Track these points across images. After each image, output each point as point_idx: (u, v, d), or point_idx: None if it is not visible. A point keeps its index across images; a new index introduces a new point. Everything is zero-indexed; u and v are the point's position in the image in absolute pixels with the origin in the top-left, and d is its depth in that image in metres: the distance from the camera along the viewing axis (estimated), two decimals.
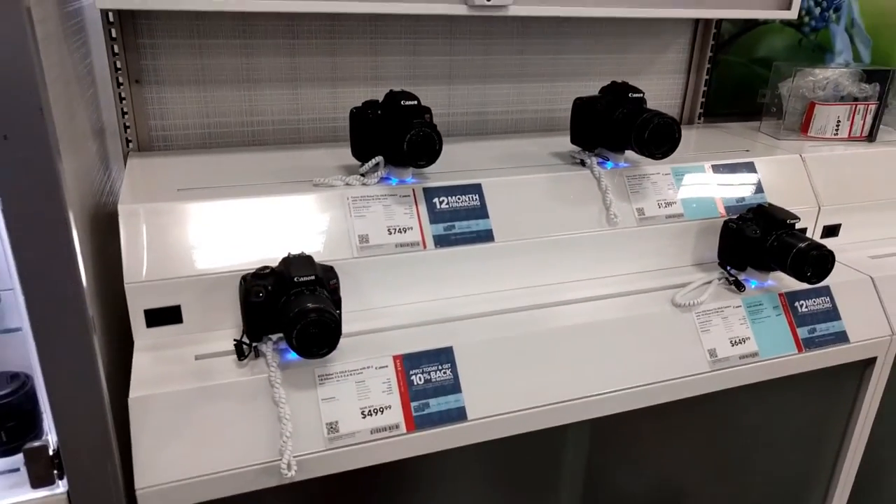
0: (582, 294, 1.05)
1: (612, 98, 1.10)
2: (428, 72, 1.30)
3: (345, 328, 0.90)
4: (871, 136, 1.40)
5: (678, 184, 1.17)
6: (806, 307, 1.11)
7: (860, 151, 1.35)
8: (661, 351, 1.01)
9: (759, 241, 1.07)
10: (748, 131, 1.47)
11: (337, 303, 0.84)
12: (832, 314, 1.12)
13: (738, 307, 1.07)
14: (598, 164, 1.14)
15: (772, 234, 1.07)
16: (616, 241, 1.11)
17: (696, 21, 1.46)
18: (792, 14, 1.26)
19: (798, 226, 1.23)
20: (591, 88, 1.42)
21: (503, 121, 1.40)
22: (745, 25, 1.48)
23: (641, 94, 1.09)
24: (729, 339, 1.05)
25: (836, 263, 1.15)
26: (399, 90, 0.98)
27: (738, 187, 1.21)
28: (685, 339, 1.03)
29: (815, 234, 1.27)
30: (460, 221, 1.02)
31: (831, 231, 1.29)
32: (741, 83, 1.53)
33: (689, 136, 1.44)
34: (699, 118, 1.53)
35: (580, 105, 1.12)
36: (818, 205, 1.25)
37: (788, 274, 1.06)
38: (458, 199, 1.03)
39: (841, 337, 1.11)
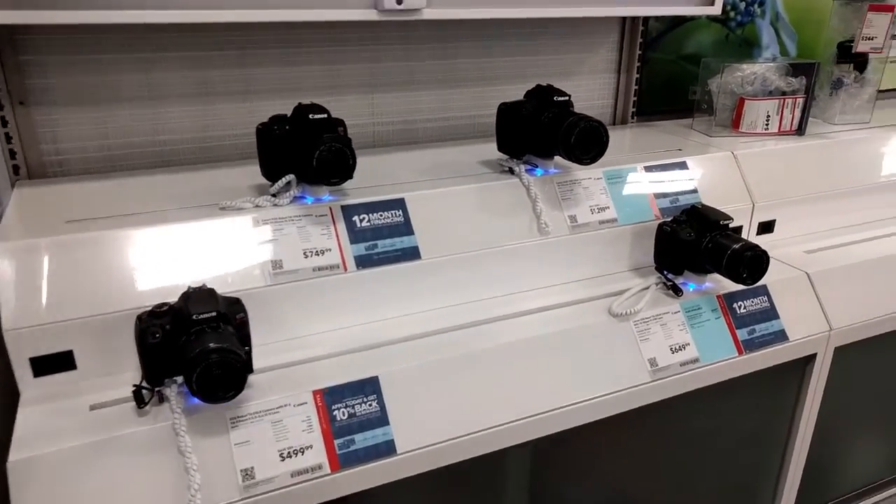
0: (515, 308, 1.00)
1: (538, 102, 1.06)
2: (348, 81, 1.24)
3: (260, 362, 0.83)
4: (800, 130, 1.40)
5: (611, 188, 1.13)
6: (744, 308, 1.09)
7: (791, 145, 1.34)
8: (601, 363, 0.97)
9: (693, 244, 1.04)
10: (681, 129, 1.45)
11: (244, 339, 0.77)
12: (770, 313, 1.10)
13: (676, 313, 1.04)
14: (527, 171, 1.09)
15: (706, 235, 1.04)
16: (549, 251, 1.07)
17: (624, 20, 1.43)
18: (716, 10, 1.24)
19: (733, 224, 1.22)
20: (522, 92, 1.38)
21: (433, 129, 1.34)
22: (671, 22, 1.46)
23: (567, 98, 1.05)
24: (669, 347, 1.01)
25: (773, 260, 1.14)
26: (308, 103, 0.92)
27: (672, 188, 1.18)
28: (624, 349, 0.99)
29: (750, 231, 1.26)
30: (383, 239, 0.96)
31: (766, 227, 1.28)
32: (672, 81, 1.52)
33: (622, 136, 1.41)
34: (632, 118, 1.51)
35: (505, 111, 1.07)
36: (752, 202, 1.24)
37: (724, 276, 1.03)
38: (381, 215, 0.97)
39: (780, 336, 1.09)
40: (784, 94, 1.38)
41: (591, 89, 1.47)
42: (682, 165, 1.20)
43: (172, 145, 1.14)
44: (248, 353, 0.77)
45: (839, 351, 1.16)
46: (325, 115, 0.89)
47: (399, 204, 0.98)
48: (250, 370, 0.78)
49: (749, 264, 1.00)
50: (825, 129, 1.46)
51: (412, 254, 0.97)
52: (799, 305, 1.13)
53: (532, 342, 0.94)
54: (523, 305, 1.01)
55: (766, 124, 1.39)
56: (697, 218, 1.06)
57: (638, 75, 1.47)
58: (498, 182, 1.07)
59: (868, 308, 1.17)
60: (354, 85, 1.25)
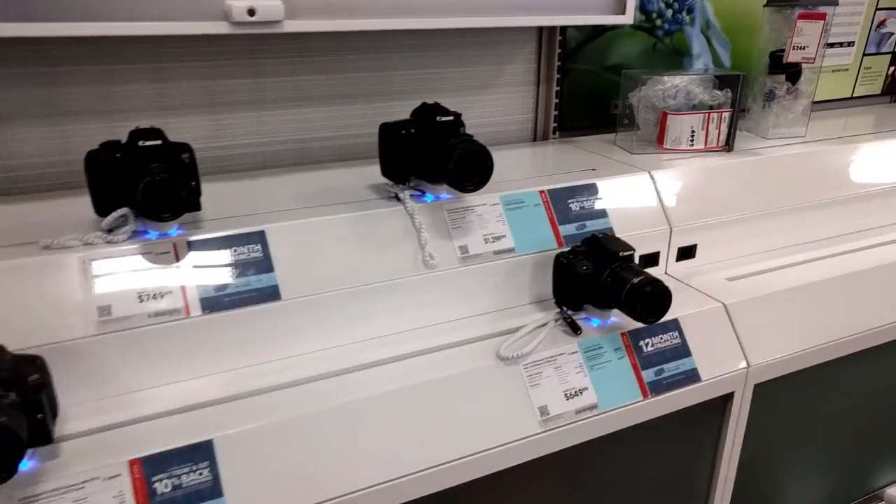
0: (390, 353, 0.90)
1: (422, 123, 0.96)
2: (230, 98, 1.13)
3: (69, 427, 0.73)
4: (728, 145, 1.31)
5: (508, 214, 1.04)
6: (652, 346, 0.99)
7: (716, 162, 1.25)
8: (484, 414, 0.87)
9: (591, 277, 0.95)
10: (604, 145, 1.36)
11: (36, 405, 0.66)
12: (681, 351, 1.01)
13: (573, 354, 0.94)
14: (415, 197, 0.99)
15: (606, 268, 0.95)
16: (435, 286, 0.97)
17: (541, 29, 1.34)
18: (627, 19, 1.15)
19: (650, 249, 1.13)
20: None
21: (329, 147, 1.24)
22: (592, 31, 1.37)
23: (452, 117, 0.95)
24: (563, 392, 0.92)
25: (690, 290, 1.05)
26: (146, 127, 0.81)
27: (579, 213, 1.09)
28: (511, 397, 0.89)
29: (668, 257, 1.17)
30: (237, 279, 0.86)
31: (687, 253, 1.18)
32: (596, 93, 1.43)
33: (537, 154, 1.32)
34: (554, 133, 1.42)
35: (385, 132, 0.97)
36: (669, 225, 1.15)
37: (625, 312, 0.94)
38: (235, 251, 0.87)
39: (691, 376, 1.00)
40: (710, 108, 1.30)
41: (509, 103, 1.38)
42: (592, 188, 1.11)
43: (15, 171, 1.03)
44: (41, 421, 0.66)
45: (760, 388, 1.07)
46: (159, 142, 0.79)
47: (257, 237, 0.88)
48: (47, 440, 0.67)
49: (648, 301, 0.90)
50: (757, 144, 1.38)
51: (271, 294, 0.86)
52: (714, 341, 1.04)
53: (404, 392, 0.84)
54: (400, 349, 0.91)
55: (692, 140, 1.30)
56: (597, 248, 0.97)
57: (558, 88, 1.37)
58: (381, 210, 0.97)
59: (790, 341, 1.09)
60: (241, 102, 1.14)
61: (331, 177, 1.13)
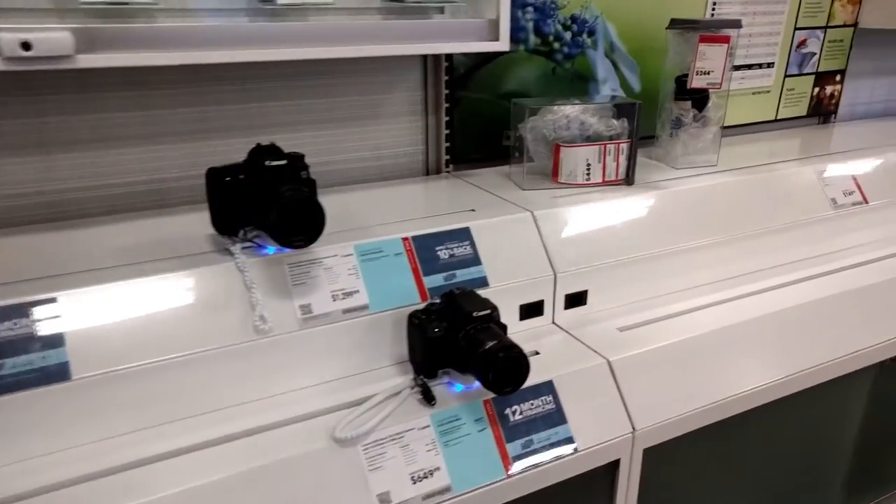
0: (201, 437, 0.78)
1: (253, 166, 0.85)
2: (67, 136, 1.01)
3: None
4: (628, 178, 1.22)
5: (364, 266, 0.92)
6: (520, 414, 0.88)
7: (611, 199, 1.16)
8: None
9: (445, 340, 0.84)
10: (498, 180, 1.26)
11: None
12: (555, 417, 0.90)
13: (424, 428, 0.83)
14: (251, 250, 0.88)
15: (461, 329, 0.84)
16: (269, 353, 0.85)
17: (425, 56, 1.24)
18: (503, 45, 1.05)
19: (534, 298, 1.03)
20: (299, 141, 1.18)
21: (184, 189, 1.12)
22: (482, 57, 1.27)
23: (285, 161, 0.84)
24: (410, 475, 0.80)
25: (574, 344, 0.95)
26: None
27: (448, 262, 0.98)
28: (346, 485, 0.77)
29: (555, 305, 1.06)
30: (14, 357, 0.73)
31: (577, 300, 1.08)
32: (490, 122, 1.32)
33: (420, 191, 1.21)
34: (447, 166, 1.31)
35: (212, 176, 0.85)
36: (554, 271, 1.04)
37: (479, 381, 0.83)
38: (14, 324, 0.74)
39: (566, 445, 0.89)
40: (608, 138, 1.20)
41: (397, 135, 1.27)
42: (464, 233, 1.00)
43: None
44: None
45: (651, 453, 0.97)
46: None
47: (47, 304, 0.76)
48: None
49: (500, 369, 0.80)
50: (665, 175, 1.29)
51: (59, 373, 0.74)
52: (596, 403, 0.93)
53: (213, 488, 0.72)
54: (217, 431, 0.79)
55: (587, 174, 1.20)
56: (451, 306, 0.86)
57: (448, 118, 1.27)
58: (209, 267, 0.85)
59: (682, 400, 0.99)
60: (16, 146, 1.01)
61: (174, 224, 1.01)
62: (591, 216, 1.11)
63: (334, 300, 0.89)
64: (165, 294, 0.81)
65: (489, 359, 0.79)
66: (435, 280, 0.96)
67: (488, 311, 0.84)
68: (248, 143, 0.87)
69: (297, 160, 0.87)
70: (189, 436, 0.78)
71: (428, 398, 0.85)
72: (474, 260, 0.99)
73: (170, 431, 0.78)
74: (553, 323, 1.06)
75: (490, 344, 0.80)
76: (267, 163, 0.83)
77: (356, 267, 0.92)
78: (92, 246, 0.92)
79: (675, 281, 1.17)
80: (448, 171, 1.31)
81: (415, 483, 0.80)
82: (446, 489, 0.81)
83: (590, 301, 1.09)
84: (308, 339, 0.87)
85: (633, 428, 0.94)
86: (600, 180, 1.21)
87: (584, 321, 1.07)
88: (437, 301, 0.88)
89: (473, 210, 1.07)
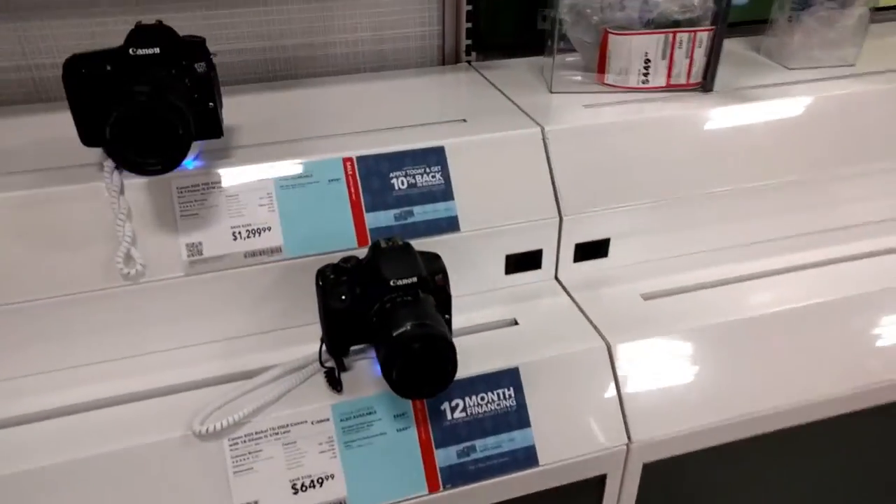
0: (31, 405, 0.62)
1: (122, 54, 0.62)
2: None
3: None
4: (705, 83, 0.87)
5: (282, 195, 0.70)
6: (463, 410, 0.65)
7: (667, 113, 0.82)
8: None
9: (353, 314, 0.61)
10: (527, 76, 0.95)
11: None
12: (515, 418, 0.66)
13: (321, 422, 0.63)
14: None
15: (376, 300, 0.60)
16: (139, 303, 0.67)
17: None
18: None
19: (531, 246, 0.77)
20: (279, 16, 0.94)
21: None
22: None
23: (157, 49, 0.61)
24: (291, 483, 0.61)
25: (571, 313, 0.71)
26: None
27: (405, 194, 0.73)
28: (202, 488, 0.60)
29: (559, 256, 0.79)
30: None
31: (593, 250, 0.80)
32: None
33: (410, 89, 0.93)
34: (467, 54, 1.01)
35: (71, 67, 0.64)
36: (559, 212, 0.76)
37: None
38: None
39: (523, 457, 0.66)
40: (678, 24, 0.85)
41: (404, 12, 0.98)
42: (433, 155, 0.74)
43: None
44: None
45: (653, 469, 0.71)
46: None
47: None
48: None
49: (407, 366, 0.56)
50: (770, 78, 0.91)
51: None
52: (578, 402, 0.68)
53: (37, 475, 0.57)
54: (53, 399, 0.63)
55: (645, 74, 0.87)
56: (371, 266, 0.62)
57: None
58: (73, 187, 0.66)
59: (704, 406, 0.70)
60: None
61: (47, 125, 0.81)
62: (631, 137, 0.80)
63: (235, 239, 0.68)
64: (13, 219, 0.64)
65: (393, 350, 0.56)
66: (381, 218, 0.72)
67: (413, 280, 0.59)
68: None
69: (188, 47, 0.63)
70: (18, 402, 0.63)
71: (333, 382, 0.64)
72: (444, 193, 0.73)
73: (11, 389, 0.64)
74: (555, 279, 0.80)
75: (400, 329, 0.56)
76: (132, 51, 0.60)
77: (272, 196, 0.70)
78: None
79: (735, 232, 0.84)
80: (469, 61, 1.02)
81: (296, 493, 0.61)
82: (340, 503, 0.62)
83: (612, 253, 0.80)
84: (195, 287, 0.68)
85: (629, 438, 0.68)
86: (663, 83, 0.87)
87: (598, 280, 0.79)
88: (349, 259, 0.64)
89: (465, 120, 0.80)
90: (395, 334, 0.56)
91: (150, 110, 0.56)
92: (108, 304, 0.66)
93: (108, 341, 0.67)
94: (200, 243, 0.68)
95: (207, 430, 0.59)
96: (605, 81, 0.89)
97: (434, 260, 0.64)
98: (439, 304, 0.62)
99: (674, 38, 0.85)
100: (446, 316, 0.63)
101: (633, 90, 0.88)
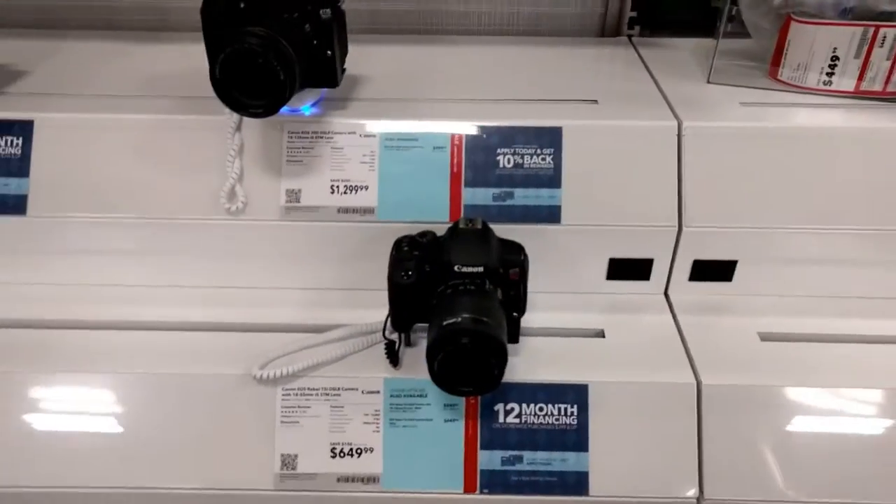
0: (132, 314, 0.67)
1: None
2: None
3: None
4: None
5: (385, 155, 0.68)
6: (517, 416, 0.61)
7: (841, 126, 0.68)
8: (219, 449, 0.62)
9: (417, 290, 0.58)
10: (689, 59, 0.84)
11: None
12: (572, 438, 0.60)
13: (371, 393, 0.62)
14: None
15: (441, 282, 0.57)
16: (235, 237, 0.69)
17: None
18: None
19: (640, 254, 0.70)
20: None
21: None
22: None
23: None
24: (331, 446, 0.61)
25: (667, 336, 0.65)
26: None
27: (509, 174, 0.68)
28: (251, 428, 0.62)
29: (673, 271, 0.70)
30: None
31: (714, 271, 0.70)
32: None
33: (563, 60, 0.86)
34: (630, 28, 0.91)
35: (206, 9, 0.65)
36: (679, 222, 0.67)
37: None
38: None
39: (571, 483, 0.60)
40: (885, 17, 0.70)
41: None
42: (548, 136, 0.68)
43: None
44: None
45: None
46: None
47: (20, 129, 0.69)
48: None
49: (449, 360, 0.53)
50: None
51: (15, 205, 0.69)
52: (649, 439, 0.61)
53: (101, 379, 0.63)
54: (148, 312, 0.68)
55: (830, 74, 0.73)
56: (443, 245, 0.59)
57: None
58: (196, 117, 0.69)
59: (778, 478, 0.59)
60: None
61: (178, 55, 0.84)
62: (791, 148, 0.67)
63: (333, 192, 0.68)
64: (139, 140, 0.69)
65: (439, 339, 0.52)
66: (479, 196, 0.68)
67: (479, 269, 0.55)
68: None
69: None
70: (121, 308, 0.68)
71: (391, 356, 0.62)
72: (551, 178, 0.67)
73: (107, 296, 0.70)
74: (664, 294, 0.71)
75: (452, 319, 0.53)
76: None
77: (374, 155, 0.68)
78: (82, 65, 0.81)
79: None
80: (630, 36, 0.92)
81: (334, 457, 0.61)
82: (372, 479, 0.61)
83: (737, 278, 0.70)
84: (286, 233, 0.69)
85: (702, 494, 0.60)
86: (851, 88, 0.72)
87: (713, 306, 0.69)
88: (424, 234, 0.61)
89: (596, 101, 0.72)
90: (444, 323, 0.52)
91: (254, 54, 0.57)
92: (207, 233, 0.69)
93: (199, 268, 0.71)
94: (299, 191, 0.68)
95: (264, 375, 0.61)
96: (778, 77, 0.76)
97: (514, 251, 0.59)
98: (508, 300, 0.58)
99: (875, 32, 0.70)
100: (514, 314, 0.59)
101: (809, 91, 0.74)
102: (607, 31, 0.93)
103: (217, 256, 0.71)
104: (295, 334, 0.66)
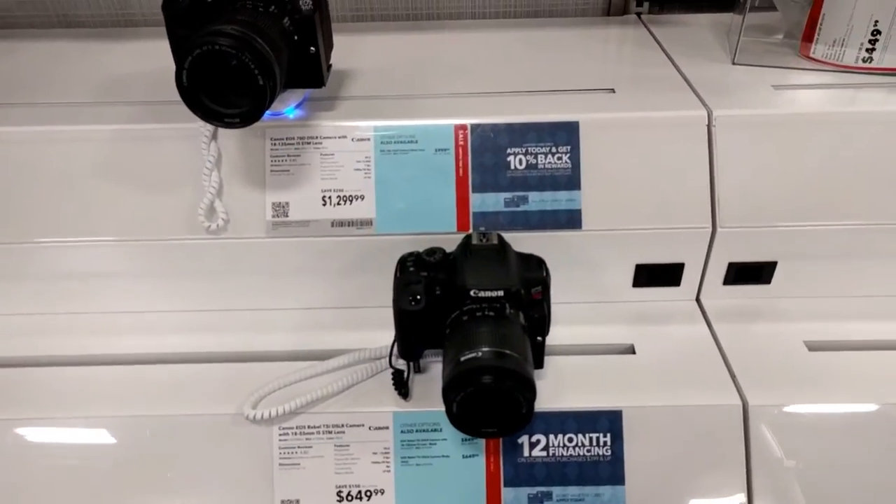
0: (98, 347, 0.61)
1: None
2: None
3: None
4: None
5: (381, 160, 0.61)
6: (544, 449, 0.54)
7: (886, 107, 0.62)
8: (211, 501, 0.55)
9: (427, 317, 0.52)
10: (708, 37, 0.77)
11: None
12: (607, 470, 0.54)
13: (381, 429, 0.55)
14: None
15: (456, 307, 0.50)
16: (218, 259, 0.62)
17: None
18: None
19: (671, 258, 0.63)
20: None
21: None
22: None
23: None
24: (337, 489, 0.55)
25: (705, 349, 0.58)
26: None
27: (522, 175, 0.61)
28: (247, 472, 0.55)
29: (706, 275, 0.63)
30: None
31: (755, 272, 0.63)
32: None
33: (568, 43, 0.78)
34: (639, 4, 0.84)
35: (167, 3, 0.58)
36: (713, 223, 0.60)
37: None
38: None
39: None
40: None
41: None
42: (564, 132, 0.60)
43: None
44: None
45: None
46: None
47: None
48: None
49: (469, 401, 0.46)
50: None
51: None
52: (689, 468, 0.55)
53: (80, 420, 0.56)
54: (123, 344, 0.61)
55: (870, 49, 0.66)
56: (455, 265, 0.52)
57: None
58: (167, 126, 0.61)
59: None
60: None
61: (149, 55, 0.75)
62: (832, 135, 0.61)
63: (325, 204, 0.61)
64: (104, 153, 0.61)
65: (458, 378, 0.46)
66: (489, 202, 0.61)
67: (499, 293, 0.48)
68: None
69: None
70: (92, 341, 0.61)
71: (400, 387, 0.56)
72: (569, 180, 0.60)
73: (76, 327, 0.63)
74: (696, 301, 0.65)
75: (471, 353, 0.46)
76: None
77: (370, 160, 0.61)
78: (33, 70, 0.72)
79: None
80: (639, 13, 0.84)
81: (341, 502, 0.55)
82: None
83: (777, 280, 0.63)
84: (276, 251, 0.62)
85: None
86: (895, 65, 0.66)
87: (752, 311, 0.63)
88: (432, 252, 0.54)
89: (613, 90, 0.65)
90: (462, 359, 0.46)
91: (227, 56, 0.49)
92: (186, 254, 0.62)
93: (179, 293, 0.64)
94: (287, 204, 0.61)
95: (257, 416, 0.54)
96: (811, 55, 0.69)
97: (535, 267, 0.52)
98: (531, 323, 0.51)
99: None
100: (538, 339, 0.52)
101: (848, 70, 0.67)
102: (613, 9, 0.86)
103: (198, 279, 0.63)
104: (290, 363, 0.59)
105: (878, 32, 0.65)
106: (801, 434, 0.54)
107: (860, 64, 0.67)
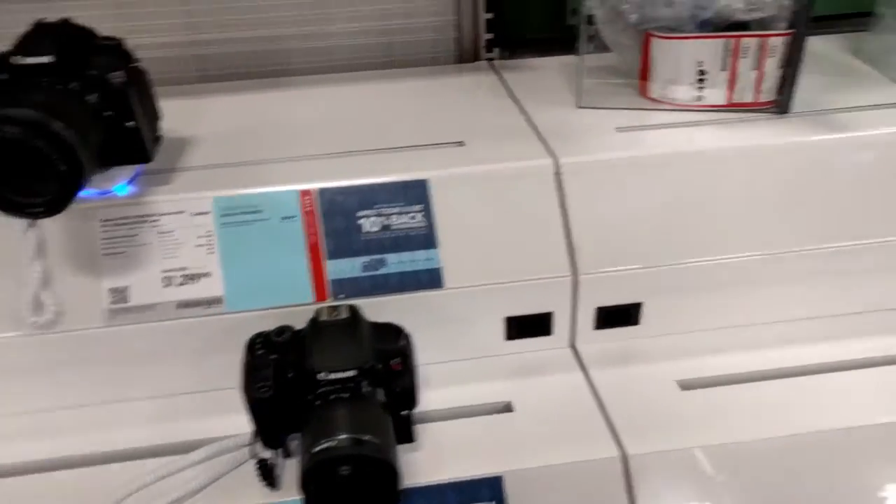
0: None
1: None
2: None
3: None
4: (780, 102, 0.69)
5: (224, 233, 0.57)
6: None
7: (725, 143, 0.65)
8: None
9: (277, 403, 0.48)
10: (557, 79, 0.78)
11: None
12: None
13: None
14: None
15: (308, 391, 0.47)
16: (50, 357, 0.56)
17: None
18: None
19: (540, 308, 0.62)
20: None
21: None
22: None
23: (48, 59, 0.48)
24: None
25: (580, 398, 0.57)
26: None
27: (376, 239, 0.59)
28: None
29: (576, 321, 0.63)
30: None
31: (620, 316, 0.64)
32: None
33: (416, 94, 0.78)
34: (489, 50, 0.85)
35: None
36: (573, 270, 0.61)
37: None
38: None
39: None
40: (742, 27, 0.67)
41: (417, 4, 0.83)
42: (415, 190, 0.59)
43: None
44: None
45: None
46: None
47: None
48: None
49: (327, 494, 0.43)
50: (875, 96, 0.71)
51: None
52: None
53: None
54: None
55: (700, 88, 0.69)
56: (303, 346, 0.49)
57: None
58: None
59: None
60: None
61: None
62: (675, 174, 0.63)
63: (167, 285, 0.56)
64: None
65: (313, 471, 0.43)
66: (346, 268, 0.58)
67: (352, 373, 0.46)
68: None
69: (99, 52, 0.51)
70: None
71: (267, 475, 0.51)
72: (425, 238, 0.59)
73: None
74: (571, 347, 0.64)
75: (324, 444, 0.43)
76: (13, 59, 0.48)
77: (212, 234, 0.57)
78: None
79: (815, 303, 0.66)
80: (491, 59, 0.86)
81: None
82: None
83: (645, 320, 0.64)
84: (117, 340, 0.56)
85: None
86: (723, 101, 0.69)
87: (624, 354, 0.63)
88: (282, 330, 0.51)
89: (462, 143, 0.65)
90: (316, 450, 0.43)
91: (14, 143, 0.44)
92: (15, 352, 0.55)
93: (13, 395, 0.57)
94: (126, 288, 0.56)
95: None
96: (649, 94, 0.72)
97: (392, 337, 0.50)
98: (394, 397, 0.49)
99: (736, 44, 0.66)
100: (402, 413, 0.50)
101: (684, 109, 0.70)
102: (465, 55, 0.86)
103: (32, 377, 0.57)
104: (145, 461, 0.53)
105: (704, 72, 0.68)
106: (682, 477, 0.54)
107: (694, 102, 0.70)
